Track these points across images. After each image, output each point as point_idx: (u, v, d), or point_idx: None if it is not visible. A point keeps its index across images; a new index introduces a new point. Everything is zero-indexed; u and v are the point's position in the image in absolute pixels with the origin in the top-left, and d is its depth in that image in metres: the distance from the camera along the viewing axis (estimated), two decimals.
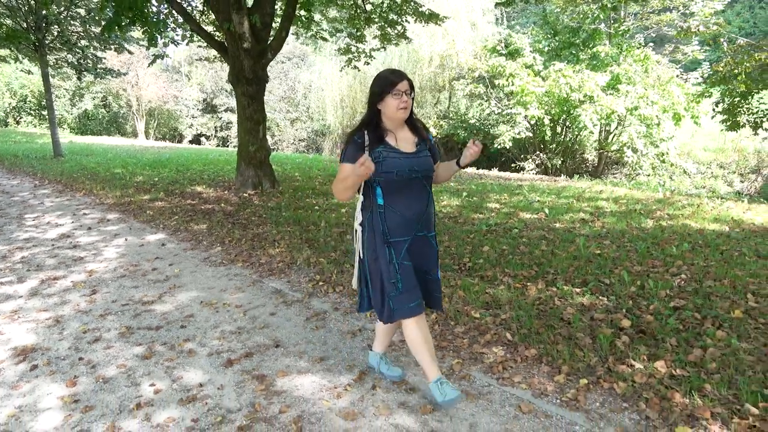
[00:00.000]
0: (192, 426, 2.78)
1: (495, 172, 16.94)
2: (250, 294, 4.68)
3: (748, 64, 8.47)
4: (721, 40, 10.12)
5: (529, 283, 4.47)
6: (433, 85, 20.26)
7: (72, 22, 16.63)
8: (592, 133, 17.30)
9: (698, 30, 10.20)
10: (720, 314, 3.73)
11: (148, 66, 11.69)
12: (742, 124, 9.65)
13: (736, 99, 9.30)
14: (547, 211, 7.34)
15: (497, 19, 22.34)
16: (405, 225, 2.56)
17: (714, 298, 4.04)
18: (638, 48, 16.11)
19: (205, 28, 10.89)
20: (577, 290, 4.27)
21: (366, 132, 2.52)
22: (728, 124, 9.69)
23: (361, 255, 2.68)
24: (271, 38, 8.86)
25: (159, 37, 8.74)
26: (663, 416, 2.70)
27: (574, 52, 18.16)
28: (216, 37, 9.43)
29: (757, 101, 9.52)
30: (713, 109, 10.51)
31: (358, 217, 2.67)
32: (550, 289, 4.35)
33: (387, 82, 2.47)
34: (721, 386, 2.87)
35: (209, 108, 32.42)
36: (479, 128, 18.88)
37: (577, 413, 2.78)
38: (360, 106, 22.01)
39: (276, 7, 9.27)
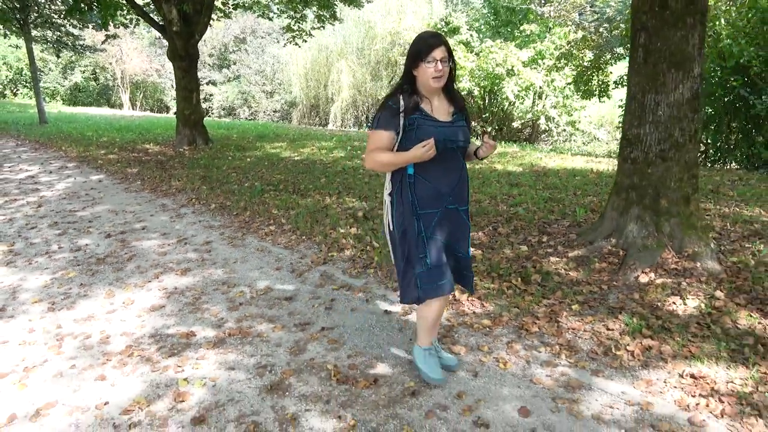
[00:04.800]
0: (73, 259, 4.94)
1: None
2: (144, 206, 6.84)
3: (581, 45, 10.45)
4: (570, 24, 12.03)
5: (327, 197, 6.62)
6: (387, 61, 22.21)
7: (56, 1, 18.56)
8: (522, 103, 19.24)
9: (551, 16, 12.13)
10: None
11: (102, 44, 13.69)
12: (593, 93, 11.64)
13: (585, 72, 11.25)
14: None
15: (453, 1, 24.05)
16: (436, 197, 2.43)
17: None
18: (560, 27, 17.94)
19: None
20: (354, 199, 6.42)
21: (401, 97, 2.38)
22: (580, 93, 11.69)
23: (391, 227, 2.57)
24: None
25: (110, 20, 10.74)
26: (319, 244, 4.86)
27: (510, 29, 20.06)
28: (158, 21, 11.41)
29: (604, 74, 11.48)
30: (570, 82, 12.51)
31: (388, 186, 2.55)
32: (339, 199, 6.50)
33: (421, 48, 2.31)
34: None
35: None
36: None
37: (287, 250, 4.95)
38: (324, 78, 23.97)
39: None
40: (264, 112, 29.50)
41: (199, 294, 4.04)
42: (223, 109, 31.93)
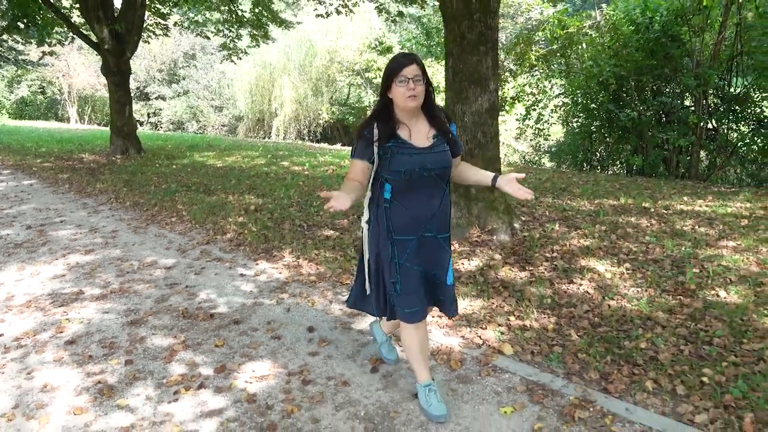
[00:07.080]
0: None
1: None
2: (67, 205, 7.65)
3: None
4: None
5: (231, 195, 7.59)
6: (327, 78, 23.34)
7: None
8: None
9: None
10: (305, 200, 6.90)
11: (38, 61, 14.40)
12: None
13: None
14: (307, 165, 10.52)
15: (390, 21, 25.37)
16: (412, 224, 2.38)
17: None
18: None
19: None
20: (253, 197, 7.41)
21: (376, 125, 2.32)
22: (505, 108, 13.05)
23: (366, 253, 2.51)
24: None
25: (47, 36, 11.50)
26: (208, 230, 5.82)
27: (441, 49, 21.44)
28: (92, 39, 12.20)
29: (502, 91, 12.84)
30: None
31: (365, 214, 2.48)
32: (241, 196, 7.47)
33: (393, 67, 2.24)
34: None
35: (142, 96, 34.74)
36: (363, 114, 22.00)
37: (180, 236, 5.88)
38: (268, 93, 24.91)
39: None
40: (212, 126, 30.19)
41: (96, 267, 4.95)
42: (172, 123, 32.44)
